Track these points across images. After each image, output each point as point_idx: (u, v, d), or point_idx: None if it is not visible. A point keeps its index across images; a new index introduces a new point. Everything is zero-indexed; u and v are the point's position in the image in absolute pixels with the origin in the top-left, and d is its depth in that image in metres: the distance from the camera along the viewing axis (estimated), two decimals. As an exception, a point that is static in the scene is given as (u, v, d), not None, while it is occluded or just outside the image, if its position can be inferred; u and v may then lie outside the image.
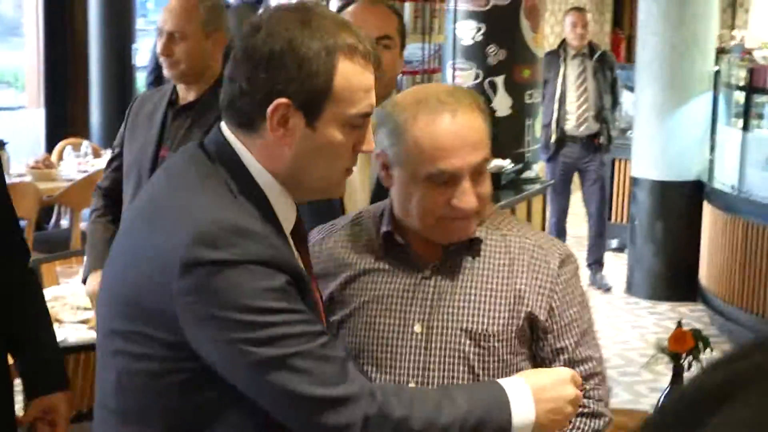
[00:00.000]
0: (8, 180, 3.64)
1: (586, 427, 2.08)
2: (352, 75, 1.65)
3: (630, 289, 7.36)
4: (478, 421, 1.66)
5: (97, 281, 2.98)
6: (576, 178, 7.62)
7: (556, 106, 7.27)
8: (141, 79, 8.31)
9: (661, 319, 6.78)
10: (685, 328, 2.76)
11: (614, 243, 8.51)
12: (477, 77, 5.64)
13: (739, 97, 6.75)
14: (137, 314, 1.61)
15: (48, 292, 3.28)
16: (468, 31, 5.62)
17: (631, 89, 7.47)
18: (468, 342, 2.03)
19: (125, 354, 1.64)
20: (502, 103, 5.85)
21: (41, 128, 7.95)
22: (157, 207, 1.67)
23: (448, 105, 1.97)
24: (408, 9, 4.38)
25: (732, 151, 6.63)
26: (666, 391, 2.79)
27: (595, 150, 7.39)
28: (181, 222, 1.57)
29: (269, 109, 1.61)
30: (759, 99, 6.75)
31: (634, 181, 7.29)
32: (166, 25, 3.29)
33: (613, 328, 6.54)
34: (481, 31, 5.59)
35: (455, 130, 1.96)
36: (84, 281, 3.42)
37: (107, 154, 6.93)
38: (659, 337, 2.87)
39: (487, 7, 5.55)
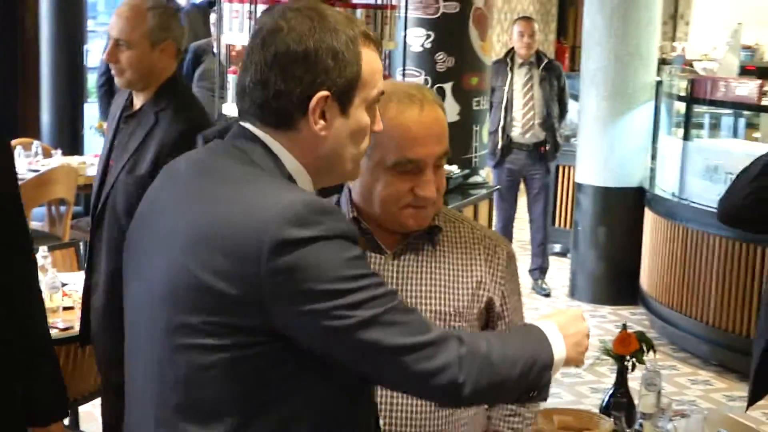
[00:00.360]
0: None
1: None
2: (372, 59, 1.73)
3: (573, 292, 7.42)
4: (531, 360, 1.76)
5: None
6: (522, 185, 7.66)
7: (502, 113, 7.31)
8: (92, 80, 8.22)
9: (602, 322, 6.84)
10: (629, 330, 2.77)
11: (558, 247, 8.57)
12: (426, 84, 5.65)
13: (680, 107, 6.82)
14: (211, 305, 1.58)
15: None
16: (418, 39, 5.63)
17: (576, 98, 7.52)
18: (438, 323, 2.11)
19: (195, 347, 1.61)
20: (450, 110, 5.86)
21: (-9, 128, 7.82)
22: (217, 201, 1.63)
23: (416, 98, 2.07)
24: (359, 15, 4.37)
25: (673, 159, 6.70)
26: (610, 392, 2.80)
27: (541, 158, 7.43)
28: (257, 208, 1.58)
29: (311, 104, 1.66)
30: (699, 109, 6.83)
31: (578, 187, 7.35)
32: (112, 32, 3.22)
33: (556, 331, 6.58)
34: (431, 39, 5.60)
35: (423, 121, 2.06)
36: None
37: (58, 154, 6.87)
38: (602, 340, 2.89)
39: (437, 16, 5.56)
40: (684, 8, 14.99)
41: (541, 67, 7.37)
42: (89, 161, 6.81)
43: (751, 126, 7.36)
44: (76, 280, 3.97)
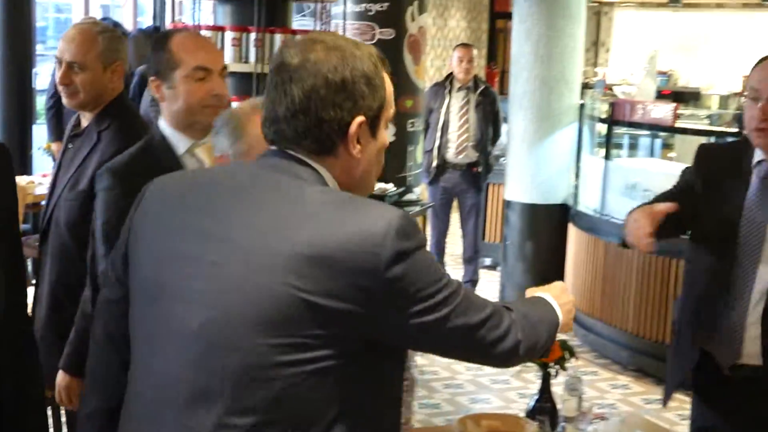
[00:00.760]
0: None
1: None
2: (388, 81, 1.78)
3: (502, 303, 7.45)
4: (553, 323, 2.00)
5: None
6: (455, 202, 7.70)
7: (438, 134, 7.35)
8: (41, 103, 8.11)
9: (530, 331, 6.88)
10: (552, 339, 2.81)
11: (488, 261, 8.63)
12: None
13: (601, 128, 6.90)
14: (317, 321, 1.59)
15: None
16: (355, 63, 5.66)
17: (505, 120, 7.59)
18: None
19: (292, 363, 1.60)
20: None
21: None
22: (316, 223, 1.61)
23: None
24: (299, 41, 4.37)
25: (594, 177, 6.77)
26: (535, 398, 2.83)
27: (473, 178, 7.48)
28: (364, 225, 1.61)
29: (351, 130, 1.70)
30: (618, 130, 6.93)
31: (507, 204, 7.40)
32: (65, 55, 3.16)
33: (486, 340, 6.61)
34: (367, 64, 5.63)
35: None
36: None
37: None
38: (529, 348, 2.92)
39: (373, 42, 5.58)
40: (605, 36, 15.23)
41: (478, 92, 7.43)
42: (38, 180, 6.71)
43: (667, 146, 7.51)
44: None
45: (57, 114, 7.19)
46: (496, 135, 7.59)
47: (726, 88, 12.64)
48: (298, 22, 5.77)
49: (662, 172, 6.40)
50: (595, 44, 15.11)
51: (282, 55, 1.74)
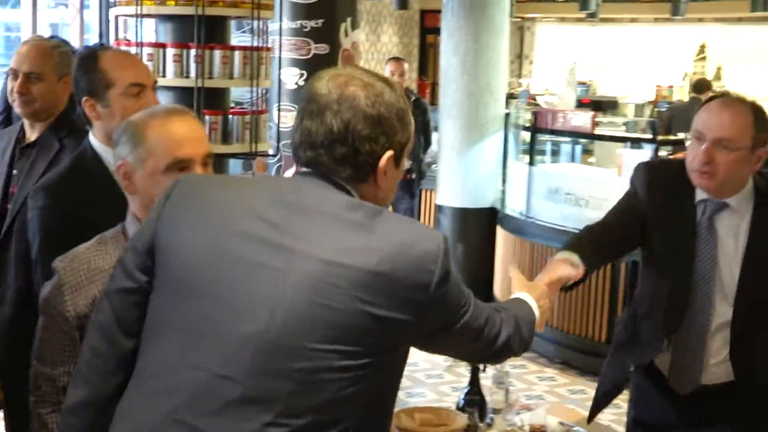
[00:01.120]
0: None
1: None
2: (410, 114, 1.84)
3: (436, 302, 7.47)
4: (532, 322, 2.14)
5: None
6: (390, 208, 7.71)
7: (371, 143, 7.35)
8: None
9: (462, 328, 6.92)
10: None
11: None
12: (300, 118, 5.67)
13: (526, 136, 6.96)
14: (369, 330, 1.64)
15: None
16: (291, 77, 5.64)
17: (436, 129, 7.62)
18: None
19: (345, 369, 1.64)
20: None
21: None
22: (374, 240, 1.66)
23: (176, 110, 2.22)
24: (238, 56, 4.35)
25: (520, 182, 6.82)
26: (465, 391, 2.85)
27: (407, 185, 7.51)
28: (418, 243, 1.68)
29: (381, 163, 1.74)
30: (542, 138, 6.99)
31: (439, 209, 7.42)
32: (23, 66, 3.20)
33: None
34: (303, 77, 5.61)
35: (185, 125, 2.17)
36: None
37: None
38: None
39: (309, 56, 5.58)
40: (528, 49, 15.39)
41: (410, 103, 7.44)
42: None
43: (587, 152, 7.60)
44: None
45: (5, 127, 7.07)
46: (428, 143, 7.62)
47: (641, 96, 12.85)
48: (237, 39, 5.73)
49: (583, 176, 6.48)
50: (519, 57, 15.26)
51: (316, 86, 1.76)
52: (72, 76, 2.87)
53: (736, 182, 2.67)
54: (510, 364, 2.76)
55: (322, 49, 5.56)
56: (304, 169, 1.77)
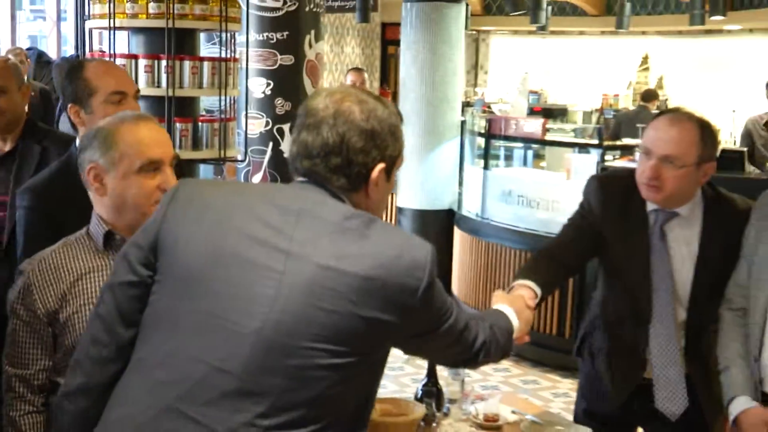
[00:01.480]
0: None
1: None
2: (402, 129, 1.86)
3: (397, 299, 7.47)
4: (509, 331, 2.21)
5: None
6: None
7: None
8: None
9: (422, 323, 6.92)
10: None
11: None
12: (267, 125, 5.64)
13: (481, 142, 6.98)
14: (358, 332, 1.65)
15: None
16: (259, 87, 5.62)
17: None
18: None
19: (335, 367, 1.65)
20: (288, 146, 5.84)
21: None
22: (371, 246, 1.68)
23: (142, 117, 2.23)
24: (206, 67, 4.33)
25: (476, 185, 6.85)
26: (423, 383, 2.85)
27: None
28: (408, 250, 1.70)
29: (373, 175, 1.76)
30: (496, 143, 7.03)
31: (400, 210, 7.45)
32: None
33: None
34: (270, 87, 5.59)
35: (153, 129, 2.19)
36: None
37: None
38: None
39: (275, 67, 5.56)
40: (483, 60, 15.46)
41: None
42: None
43: (538, 157, 7.64)
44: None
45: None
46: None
47: (588, 104, 12.96)
48: (207, 50, 5.70)
49: (534, 179, 6.52)
50: (475, 67, 15.33)
51: (314, 102, 1.79)
52: (60, 85, 2.89)
53: (684, 195, 2.67)
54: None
55: (288, 60, 5.54)
56: (300, 179, 1.79)
